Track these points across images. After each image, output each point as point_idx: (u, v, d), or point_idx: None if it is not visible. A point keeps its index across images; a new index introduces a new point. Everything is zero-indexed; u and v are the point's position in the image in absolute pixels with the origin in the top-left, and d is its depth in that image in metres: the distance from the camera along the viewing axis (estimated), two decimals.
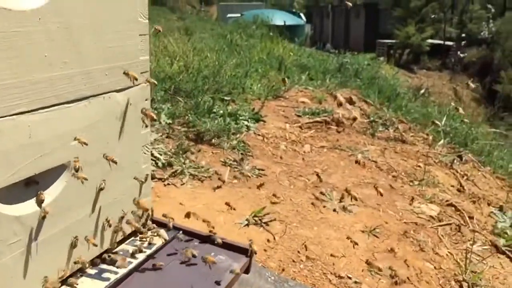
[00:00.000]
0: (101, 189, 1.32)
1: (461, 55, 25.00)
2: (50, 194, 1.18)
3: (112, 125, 1.33)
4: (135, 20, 1.37)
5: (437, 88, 22.15)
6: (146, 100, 1.44)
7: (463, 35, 27.41)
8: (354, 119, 4.69)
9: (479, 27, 27.19)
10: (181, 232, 1.53)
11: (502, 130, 9.15)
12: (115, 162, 1.30)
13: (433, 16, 24.83)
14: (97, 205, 1.32)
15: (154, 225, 1.53)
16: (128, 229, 1.43)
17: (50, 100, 1.12)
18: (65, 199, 1.22)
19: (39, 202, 1.12)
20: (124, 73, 1.28)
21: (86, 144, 1.20)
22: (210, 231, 1.49)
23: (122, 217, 1.40)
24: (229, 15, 25.45)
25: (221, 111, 3.92)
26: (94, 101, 1.25)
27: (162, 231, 1.48)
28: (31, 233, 1.14)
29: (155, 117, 1.39)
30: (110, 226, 1.37)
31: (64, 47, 1.14)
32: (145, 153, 1.49)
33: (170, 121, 3.50)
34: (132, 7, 1.35)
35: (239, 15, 21.31)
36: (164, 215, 1.55)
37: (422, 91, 7.57)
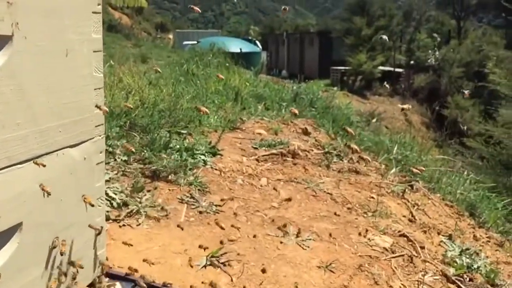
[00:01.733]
0: (54, 247, 1.30)
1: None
2: (1, 256, 1.15)
3: (66, 181, 1.32)
4: (90, 75, 1.38)
5: (389, 113, 22.98)
6: (100, 153, 1.44)
7: (412, 62, 28.65)
8: (309, 150, 4.79)
9: (426, 55, 28.54)
10: (136, 285, 1.52)
11: (450, 155, 9.54)
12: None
13: (383, 40, 25.86)
14: (49, 264, 1.30)
15: (108, 278, 1.52)
16: (81, 286, 1.41)
17: (2, 162, 1.11)
18: (17, 260, 1.20)
19: None
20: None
21: (50, 194, 1.18)
22: (164, 283, 1.49)
23: (75, 277, 1.38)
24: (185, 42, 25.62)
25: (178, 146, 3.92)
26: (47, 159, 1.25)
27: (118, 285, 1.46)
28: None
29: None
30: (63, 284, 1.34)
31: (18, 108, 1.14)
32: (99, 206, 1.48)
33: (126, 158, 3.47)
34: (87, 63, 1.36)
35: (195, 42, 21.48)
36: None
37: (374, 120, 7.83)
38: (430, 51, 28.43)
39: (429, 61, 28.79)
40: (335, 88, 9.66)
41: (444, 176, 5.90)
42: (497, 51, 20.33)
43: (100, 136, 1.43)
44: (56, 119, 1.26)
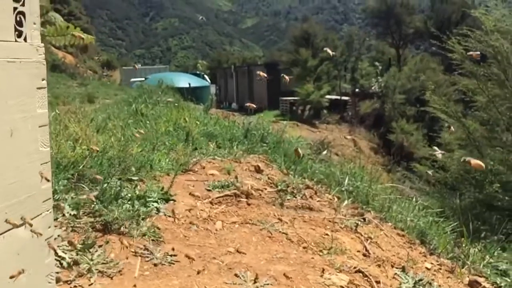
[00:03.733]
0: None
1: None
2: None
3: (14, 262, 1.28)
4: (36, 151, 1.36)
5: (338, 141, 23.57)
6: (49, 227, 1.40)
7: (357, 90, 29.74)
8: (263, 189, 4.83)
9: (369, 83, 29.74)
10: None
11: (399, 180, 9.86)
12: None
13: (327, 53, 26.78)
14: None
15: None
16: None
17: None
18: None
19: None
20: (21, 219, 1.25)
21: None
22: None
23: None
24: (132, 79, 25.42)
25: (129, 195, 3.85)
26: None
27: None
28: None
29: (57, 250, 1.35)
30: None
31: None
32: (49, 282, 1.44)
33: (75, 212, 3.37)
34: (33, 139, 1.34)
35: (143, 79, 21.37)
36: None
37: (325, 152, 8.01)
38: (373, 79, 29.67)
39: (373, 88, 29.99)
40: (285, 122, 9.85)
41: (394, 204, 6.07)
42: (434, 77, 21.44)
43: (48, 211, 1.40)
44: (2, 201, 1.22)
